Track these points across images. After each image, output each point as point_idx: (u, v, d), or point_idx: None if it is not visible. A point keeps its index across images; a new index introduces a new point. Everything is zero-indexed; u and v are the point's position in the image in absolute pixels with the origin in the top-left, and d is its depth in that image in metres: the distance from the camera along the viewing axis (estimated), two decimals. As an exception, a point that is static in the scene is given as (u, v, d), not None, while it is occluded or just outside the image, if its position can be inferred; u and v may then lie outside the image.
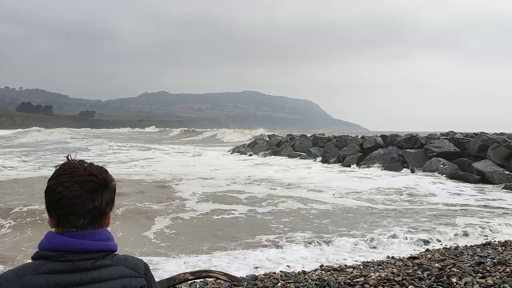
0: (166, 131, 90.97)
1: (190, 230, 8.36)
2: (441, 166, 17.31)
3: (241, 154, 28.78)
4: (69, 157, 1.48)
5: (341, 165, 21.54)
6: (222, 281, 5.11)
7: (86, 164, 1.45)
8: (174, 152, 31.87)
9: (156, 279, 5.27)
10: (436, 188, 14.08)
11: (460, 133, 21.81)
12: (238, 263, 6.33)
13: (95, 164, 1.49)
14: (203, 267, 5.87)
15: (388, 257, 6.52)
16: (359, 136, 26.75)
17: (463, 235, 8.05)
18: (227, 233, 8.14)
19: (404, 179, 15.86)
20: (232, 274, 5.36)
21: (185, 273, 4.86)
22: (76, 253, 1.37)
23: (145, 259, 1.95)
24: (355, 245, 7.26)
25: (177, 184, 14.21)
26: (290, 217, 9.53)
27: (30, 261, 1.40)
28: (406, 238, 7.64)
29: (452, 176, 16.41)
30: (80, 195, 1.38)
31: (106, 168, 1.52)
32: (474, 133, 20.20)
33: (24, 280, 1.33)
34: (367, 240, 7.49)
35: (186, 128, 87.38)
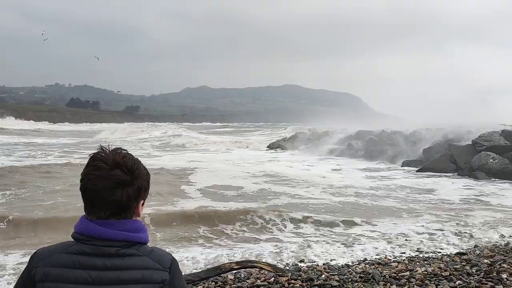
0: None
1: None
2: (491, 160, 16.59)
3: (280, 151, 27.40)
4: (102, 147, 1.49)
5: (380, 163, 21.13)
6: (266, 272, 5.22)
7: (116, 156, 1.45)
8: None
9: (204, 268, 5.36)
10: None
11: (511, 125, 20.79)
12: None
13: (129, 155, 1.48)
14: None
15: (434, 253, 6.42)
16: (404, 130, 25.97)
17: None
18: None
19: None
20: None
21: (231, 263, 5.01)
22: (101, 240, 1.41)
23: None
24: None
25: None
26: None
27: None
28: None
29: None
30: (100, 189, 1.41)
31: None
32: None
33: (53, 257, 1.41)
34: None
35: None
